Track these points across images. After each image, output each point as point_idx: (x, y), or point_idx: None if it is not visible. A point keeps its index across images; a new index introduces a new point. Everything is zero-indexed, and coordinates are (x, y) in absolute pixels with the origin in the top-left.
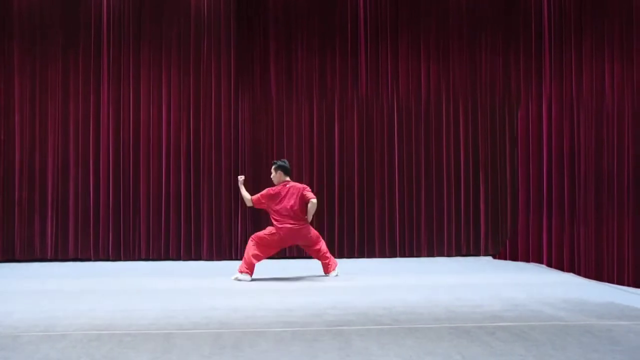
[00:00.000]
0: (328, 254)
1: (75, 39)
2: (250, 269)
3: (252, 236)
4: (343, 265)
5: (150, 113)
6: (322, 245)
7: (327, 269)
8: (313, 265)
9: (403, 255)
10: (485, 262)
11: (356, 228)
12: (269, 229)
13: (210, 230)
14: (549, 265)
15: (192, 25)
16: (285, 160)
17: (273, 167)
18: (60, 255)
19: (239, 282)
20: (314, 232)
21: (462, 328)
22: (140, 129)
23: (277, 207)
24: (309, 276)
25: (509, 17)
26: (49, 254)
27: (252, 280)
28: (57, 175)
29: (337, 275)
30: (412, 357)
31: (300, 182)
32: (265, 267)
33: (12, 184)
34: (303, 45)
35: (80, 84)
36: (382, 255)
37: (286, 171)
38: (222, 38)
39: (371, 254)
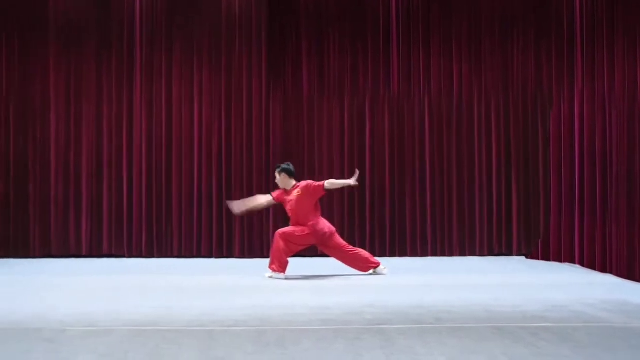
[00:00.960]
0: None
1: (108, 39)
2: (283, 267)
3: (279, 233)
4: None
5: (182, 112)
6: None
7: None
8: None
9: (435, 254)
10: (518, 262)
11: (387, 227)
12: (301, 227)
13: (242, 229)
14: (581, 264)
15: (223, 25)
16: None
17: (277, 170)
18: (95, 252)
19: (273, 280)
20: None
21: (505, 328)
22: (173, 127)
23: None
24: (342, 274)
25: (540, 16)
26: (84, 250)
27: (286, 278)
28: (91, 172)
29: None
30: (458, 357)
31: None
32: (299, 265)
33: (48, 181)
34: (335, 44)
35: (113, 83)
36: (414, 254)
37: (291, 174)
38: (253, 37)
39: (403, 253)
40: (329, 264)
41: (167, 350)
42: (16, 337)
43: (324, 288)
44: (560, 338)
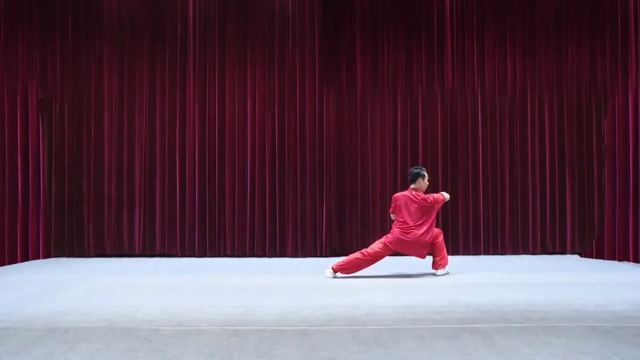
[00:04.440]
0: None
1: (161, 37)
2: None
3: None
4: (428, 262)
5: (235, 110)
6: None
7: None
8: (406, 262)
9: (487, 252)
10: (576, 261)
11: (440, 225)
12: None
13: (295, 228)
14: (635, 262)
15: (276, 21)
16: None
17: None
18: (148, 251)
19: (343, 279)
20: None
21: (600, 328)
22: (226, 125)
23: None
24: (406, 274)
25: (594, 11)
26: (137, 249)
27: (357, 277)
28: (144, 171)
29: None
30: (567, 356)
31: (384, 178)
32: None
33: (101, 179)
34: (389, 40)
35: (166, 81)
36: (467, 252)
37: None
38: (307, 33)
39: (455, 251)
40: (387, 263)
41: (272, 350)
42: (115, 335)
43: (394, 287)
44: None
